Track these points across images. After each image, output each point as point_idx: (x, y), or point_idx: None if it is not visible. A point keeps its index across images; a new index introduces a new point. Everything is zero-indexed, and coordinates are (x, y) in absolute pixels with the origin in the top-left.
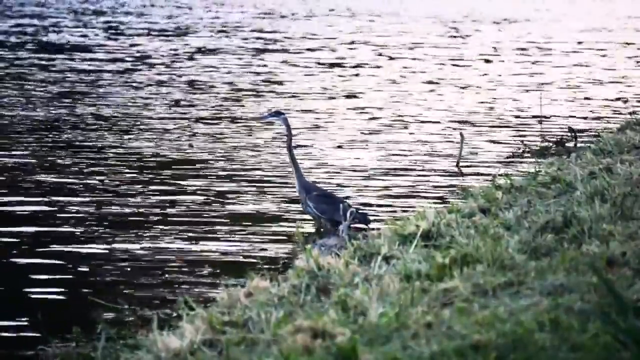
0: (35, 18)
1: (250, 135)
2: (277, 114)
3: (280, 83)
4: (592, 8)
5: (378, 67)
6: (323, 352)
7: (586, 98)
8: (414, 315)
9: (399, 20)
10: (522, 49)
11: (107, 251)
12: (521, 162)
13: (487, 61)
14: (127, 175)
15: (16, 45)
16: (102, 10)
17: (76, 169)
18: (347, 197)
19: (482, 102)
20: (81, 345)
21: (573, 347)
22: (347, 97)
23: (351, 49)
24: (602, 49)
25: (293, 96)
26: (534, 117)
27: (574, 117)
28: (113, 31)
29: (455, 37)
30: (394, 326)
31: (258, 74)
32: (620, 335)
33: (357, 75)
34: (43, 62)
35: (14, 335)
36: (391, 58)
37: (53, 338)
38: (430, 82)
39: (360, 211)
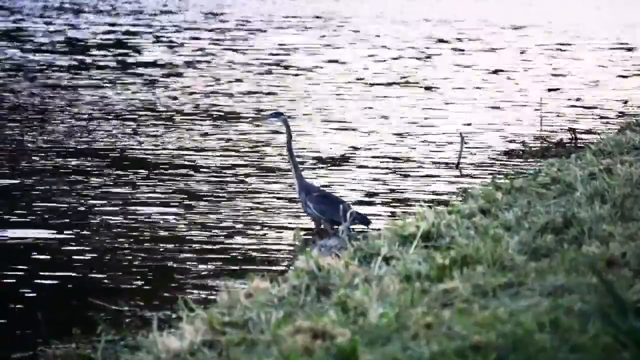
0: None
1: (251, 135)
2: (277, 114)
3: (293, 78)
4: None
5: (379, 68)
6: (323, 352)
7: (587, 98)
8: (414, 316)
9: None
10: (524, 51)
11: (107, 252)
12: (521, 163)
13: (487, 62)
14: (125, 175)
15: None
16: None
17: (76, 168)
18: (348, 198)
19: (481, 103)
20: (81, 346)
21: (573, 347)
22: (345, 98)
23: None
24: (606, 49)
25: (294, 94)
26: (534, 117)
27: (575, 117)
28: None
29: (461, 40)
30: (394, 327)
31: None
32: (620, 336)
33: (356, 75)
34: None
35: (14, 335)
36: (394, 59)
37: (53, 338)
38: (429, 83)
39: (359, 212)
